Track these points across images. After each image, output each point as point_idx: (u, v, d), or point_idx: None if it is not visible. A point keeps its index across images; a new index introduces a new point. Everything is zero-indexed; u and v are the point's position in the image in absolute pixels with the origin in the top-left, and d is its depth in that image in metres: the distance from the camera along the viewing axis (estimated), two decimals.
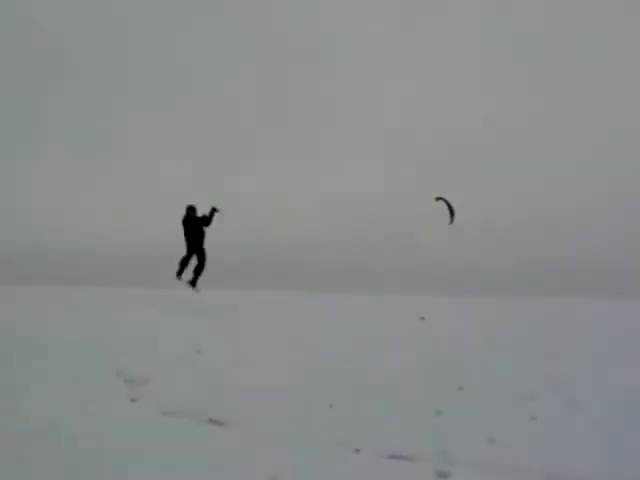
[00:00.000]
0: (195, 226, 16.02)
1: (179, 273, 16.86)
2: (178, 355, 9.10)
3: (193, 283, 16.98)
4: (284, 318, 15.55)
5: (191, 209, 16.21)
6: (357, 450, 4.74)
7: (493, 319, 17.49)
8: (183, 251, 15.73)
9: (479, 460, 4.49)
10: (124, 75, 39.18)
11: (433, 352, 9.97)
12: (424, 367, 8.51)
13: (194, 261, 16.01)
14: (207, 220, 15.90)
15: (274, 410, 5.92)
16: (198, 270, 16.94)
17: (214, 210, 15.02)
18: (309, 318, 15.65)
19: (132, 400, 6.32)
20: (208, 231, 15.55)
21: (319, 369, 8.24)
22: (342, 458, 4.57)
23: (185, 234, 16.33)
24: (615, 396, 6.71)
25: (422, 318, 16.63)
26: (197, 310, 15.58)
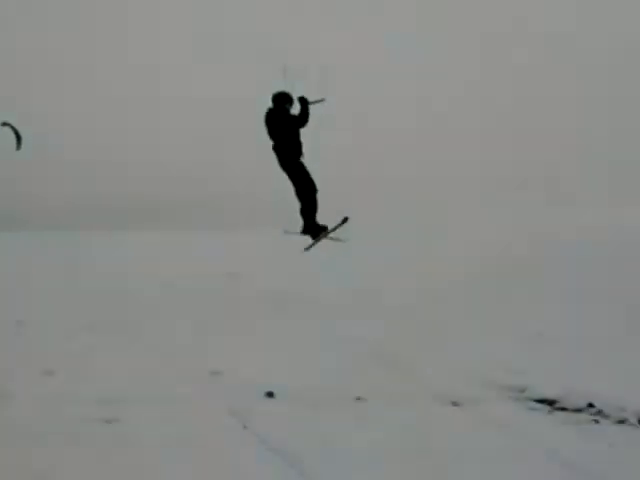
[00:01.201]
0: (290, 130, 8.02)
1: (311, 230, 8.20)
2: None
3: (314, 231, 8.19)
4: None
5: (284, 98, 7.96)
6: None
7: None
8: None
9: (35, 392, 4.63)
10: None
11: None
12: None
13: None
14: (304, 117, 7.79)
15: None
16: (310, 210, 8.25)
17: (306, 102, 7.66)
18: None
19: None
20: None
21: None
22: None
23: (275, 148, 8.00)
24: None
25: None
26: None
